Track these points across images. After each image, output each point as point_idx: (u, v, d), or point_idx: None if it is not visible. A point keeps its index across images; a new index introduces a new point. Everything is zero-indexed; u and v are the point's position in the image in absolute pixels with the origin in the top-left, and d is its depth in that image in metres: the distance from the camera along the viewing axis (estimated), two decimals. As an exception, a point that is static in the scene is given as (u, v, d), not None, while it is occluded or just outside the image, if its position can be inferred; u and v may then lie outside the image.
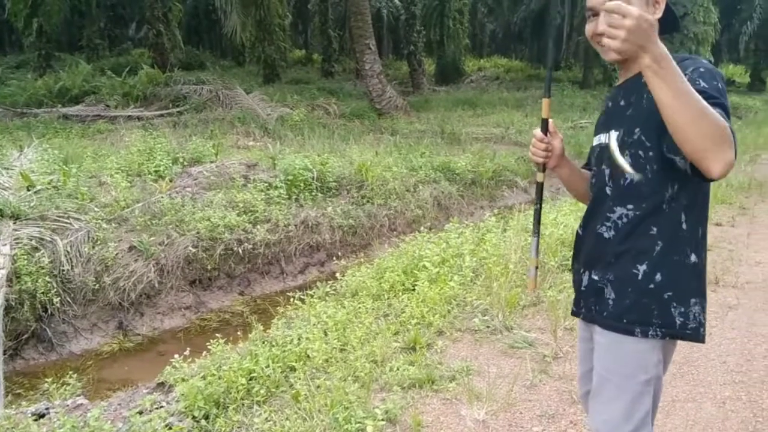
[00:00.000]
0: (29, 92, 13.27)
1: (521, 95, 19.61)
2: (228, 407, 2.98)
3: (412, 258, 4.85)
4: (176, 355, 3.49)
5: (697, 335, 1.62)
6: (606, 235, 1.65)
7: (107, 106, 12.59)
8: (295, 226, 6.44)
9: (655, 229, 1.57)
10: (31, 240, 4.96)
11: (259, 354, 3.36)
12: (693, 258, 1.61)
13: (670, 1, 1.59)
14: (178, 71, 15.42)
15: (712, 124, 1.31)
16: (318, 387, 3.03)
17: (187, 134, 9.59)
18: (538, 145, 1.79)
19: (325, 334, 3.67)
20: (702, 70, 1.47)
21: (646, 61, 1.30)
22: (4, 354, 4.35)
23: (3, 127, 10.17)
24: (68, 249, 5.05)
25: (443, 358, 3.50)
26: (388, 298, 4.34)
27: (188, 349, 3.62)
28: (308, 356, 3.40)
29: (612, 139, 1.63)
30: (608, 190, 1.65)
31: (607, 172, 1.66)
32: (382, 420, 2.78)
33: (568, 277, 4.30)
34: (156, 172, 6.86)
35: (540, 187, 1.86)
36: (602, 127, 1.72)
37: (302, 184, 6.94)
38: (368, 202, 7.34)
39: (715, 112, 1.33)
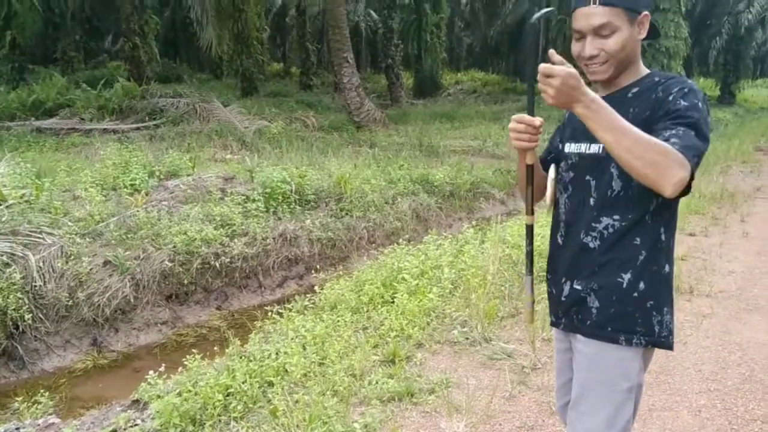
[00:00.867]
0: (2, 105, 13.03)
1: (498, 108, 19.82)
2: (204, 424, 2.93)
3: (391, 270, 4.84)
4: (151, 372, 3.43)
5: (669, 343, 1.68)
6: (591, 245, 1.67)
7: (82, 119, 12.43)
8: (273, 239, 6.40)
9: (638, 239, 1.61)
10: (1, 255, 4.85)
11: (236, 369, 3.32)
12: (667, 268, 1.67)
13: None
14: (154, 84, 15.30)
15: (648, 153, 1.41)
16: (296, 402, 3.00)
17: (163, 147, 9.50)
18: (521, 128, 1.61)
19: (304, 348, 3.64)
20: (686, 90, 1.54)
21: (579, 110, 1.46)
22: (-27, 373, 4.24)
23: (-26, 141, 9.98)
24: (41, 264, 4.95)
25: (422, 371, 3.49)
26: (367, 311, 4.33)
27: (164, 365, 3.56)
28: (286, 371, 3.37)
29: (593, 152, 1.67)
30: (592, 201, 1.67)
31: (593, 183, 1.67)
32: (361, 434, 2.76)
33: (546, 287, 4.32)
34: (132, 185, 6.78)
35: (530, 230, 1.78)
36: (582, 136, 1.70)
37: (280, 197, 6.91)
38: (347, 214, 7.33)
39: (655, 141, 1.42)
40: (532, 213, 1.77)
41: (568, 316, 1.75)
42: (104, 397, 4.14)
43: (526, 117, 1.61)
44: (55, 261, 5.04)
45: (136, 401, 3.39)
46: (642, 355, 1.66)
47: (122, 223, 5.75)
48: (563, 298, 1.76)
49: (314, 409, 2.89)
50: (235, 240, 6.03)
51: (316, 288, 4.89)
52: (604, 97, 1.68)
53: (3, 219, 5.30)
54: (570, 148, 1.77)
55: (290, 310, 4.40)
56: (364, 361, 3.49)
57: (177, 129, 11.96)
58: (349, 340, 3.76)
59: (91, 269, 5.14)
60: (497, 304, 4.33)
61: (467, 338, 3.90)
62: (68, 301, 4.91)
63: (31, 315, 4.68)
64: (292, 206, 6.95)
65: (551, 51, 1.56)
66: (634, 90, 1.64)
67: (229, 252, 5.90)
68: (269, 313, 4.34)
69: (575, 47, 1.66)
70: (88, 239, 5.45)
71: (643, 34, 1.63)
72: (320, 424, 2.79)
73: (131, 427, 3.03)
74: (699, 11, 25.21)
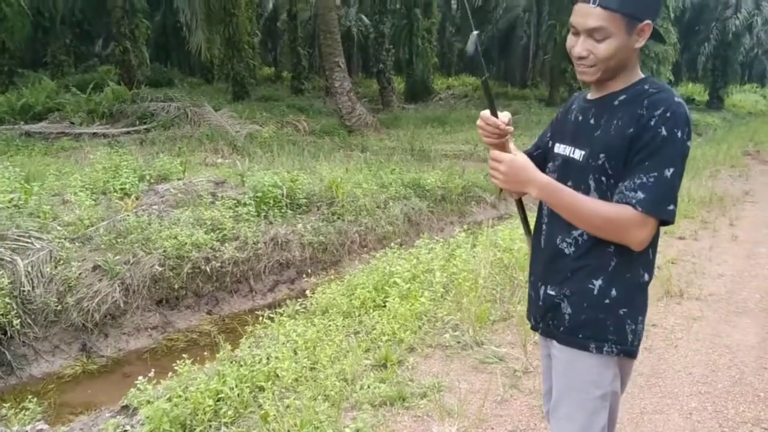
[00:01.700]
0: (-9, 109, 12.95)
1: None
2: (195, 429, 2.91)
3: (383, 274, 4.83)
4: (141, 377, 3.40)
5: (636, 352, 1.67)
6: (567, 251, 1.67)
7: (72, 123, 12.36)
8: (265, 243, 6.37)
9: (612, 247, 1.59)
10: (-11, 260, 4.81)
11: (226, 374, 3.29)
12: (645, 277, 1.66)
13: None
14: (145, 88, 15.25)
15: (607, 225, 1.53)
16: (287, 407, 2.98)
17: (154, 151, 9.46)
18: (485, 127, 1.69)
19: (295, 353, 3.62)
20: (668, 115, 1.50)
21: (534, 194, 1.58)
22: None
23: (-38, 145, 9.89)
24: (29, 269, 4.91)
25: (414, 375, 3.49)
26: (358, 315, 4.31)
27: (154, 370, 3.53)
28: (277, 376, 3.35)
29: (576, 157, 1.65)
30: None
31: (572, 189, 1.66)
32: (353, 439, 2.75)
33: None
34: (122, 189, 6.74)
35: (519, 202, 1.88)
36: (569, 139, 1.70)
37: (271, 201, 6.89)
38: (339, 218, 7.32)
39: (612, 212, 1.51)
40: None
41: (545, 321, 1.75)
42: (93, 402, 4.09)
43: (490, 117, 1.66)
44: (43, 266, 5.00)
45: (126, 407, 3.36)
46: (616, 363, 1.65)
47: (112, 227, 5.71)
48: (540, 303, 1.76)
49: (305, 414, 2.87)
50: (226, 244, 6.00)
51: (307, 292, 4.87)
52: (592, 101, 1.68)
53: (-9, 223, 5.25)
54: (557, 148, 1.76)
55: (281, 314, 4.38)
56: (355, 365, 3.48)
57: (168, 133, 11.91)
58: (340, 345, 3.74)
59: (80, 274, 5.10)
60: (489, 308, 4.33)
61: (459, 342, 3.90)
62: (57, 306, 4.87)
63: (19, 320, 4.64)
64: (283, 210, 6.93)
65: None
66: (622, 97, 1.59)
67: (219, 256, 5.87)
68: (260, 318, 4.32)
69: (570, 40, 1.63)
70: (77, 244, 5.41)
71: (642, 43, 1.57)
72: (311, 429, 2.77)
73: (120, 433, 3.00)
74: (688, 17, 25.48)
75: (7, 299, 4.59)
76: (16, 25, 16.56)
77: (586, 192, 1.61)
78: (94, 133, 11.80)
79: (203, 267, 5.73)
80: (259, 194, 6.86)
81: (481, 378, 3.48)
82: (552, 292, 1.70)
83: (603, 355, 1.62)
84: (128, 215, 5.93)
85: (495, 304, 4.49)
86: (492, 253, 5.18)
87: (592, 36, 1.55)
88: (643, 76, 1.64)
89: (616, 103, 1.60)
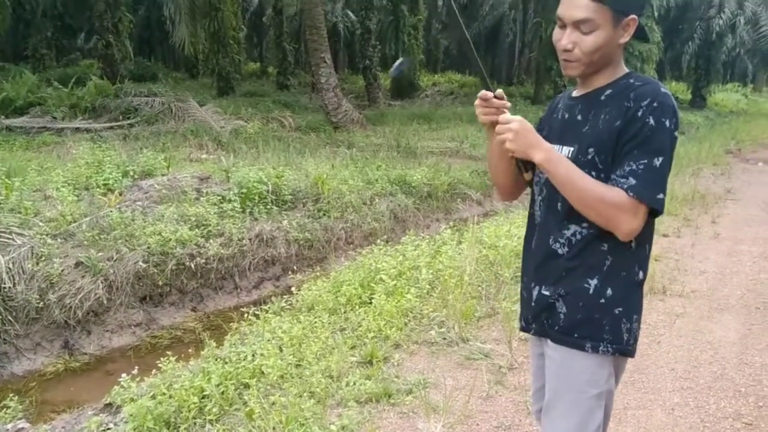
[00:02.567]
0: (-30, 103, 12.73)
1: (475, 110, 19.90)
2: (179, 427, 2.89)
3: (369, 271, 4.83)
4: (124, 375, 3.37)
5: (632, 351, 1.67)
6: (560, 251, 1.66)
7: (54, 117, 12.17)
8: (250, 240, 6.34)
9: (606, 245, 1.59)
10: (-31, 256, 4.74)
11: (211, 371, 3.28)
12: (640, 275, 1.65)
13: None
14: (128, 83, 15.06)
15: (600, 205, 1.51)
16: (273, 404, 2.97)
17: (138, 147, 9.35)
18: (484, 104, 1.66)
19: (280, 350, 3.61)
20: (655, 105, 1.50)
21: (539, 157, 1.55)
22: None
23: (-59, 139, 9.73)
24: (10, 266, 4.84)
25: (400, 372, 3.49)
26: (344, 312, 4.31)
27: (137, 367, 3.51)
28: (263, 373, 3.33)
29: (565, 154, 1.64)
30: (559, 206, 1.64)
31: None
32: (339, 436, 2.74)
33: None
34: (105, 185, 6.66)
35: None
36: (556, 137, 1.68)
37: (257, 198, 6.85)
38: (324, 215, 7.30)
39: (606, 193, 1.50)
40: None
41: (539, 321, 1.73)
42: (76, 400, 4.05)
43: (488, 93, 1.64)
44: (25, 262, 4.93)
45: (109, 405, 3.33)
46: (611, 362, 1.64)
47: (95, 223, 5.65)
48: (533, 303, 1.74)
49: (291, 411, 2.86)
50: (211, 241, 5.96)
51: (293, 289, 4.86)
52: (578, 98, 1.68)
53: (-29, 219, 5.17)
54: None
55: (267, 311, 4.36)
56: (341, 362, 3.47)
57: (151, 128, 11.79)
58: (326, 342, 3.74)
59: (62, 270, 5.04)
60: (474, 305, 4.35)
61: (444, 339, 3.91)
62: (39, 303, 4.81)
63: (0, 317, 4.57)
64: (268, 207, 6.90)
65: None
66: (608, 92, 1.59)
67: (204, 253, 5.83)
68: (245, 315, 4.30)
69: (556, 33, 1.62)
70: (59, 240, 5.34)
71: (627, 38, 1.58)
72: (297, 426, 2.76)
73: (104, 431, 2.97)
74: (672, 16, 25.67)
75: (-13, 296, 4.52)
76: (-4, 17, 16.30)
77: None
78: (77, 128, 11.64)
79: (188, 263, 5.69)
80: (244, 190, 6.82)
81: (467, 374, 3.49)
82: (546, 293, 1.69)
83: (599, 354, 1.61)
84: (111, 211, 5.87)
85: (480, 301, 4.51)
86: (477, 250, 5.19)
87: (578, 28, 1.55)
88: (628, 71, 1.64)
89: (602, 98, 1.60)
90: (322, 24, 14.67)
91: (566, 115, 1.70)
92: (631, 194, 1.48)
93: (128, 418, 2.97)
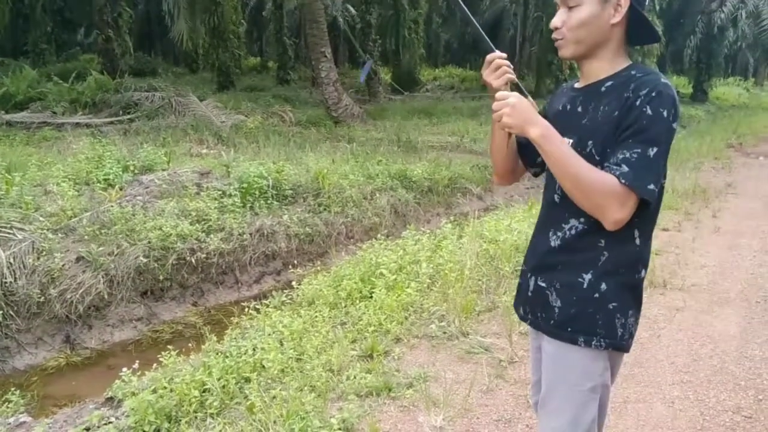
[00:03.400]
0: (-30, 98, 12.72)
1: (476, 104, 19.89)
2: (180, 421, 2.90)
3: (370, 265, 4.84)
4: (125, 369, 3.38)
5: (627, 346, 1.66)
6: (554, 243, 1.66)
7: (54, 112, 12.16)
8: (250, 234, 6.34)
9: (603, 241, 1.57)
10: (-30, 251, 4.74)
11: (212, 365, 3.29)
12: (639, 271, 1.64)
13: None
14: (128, 78, 15.04)
15: (590, 192, 1.48)
16: (273, 398, 2.98)
17: (138, 142, 9.34)
18: (492, 65, 1.65)
19: (281, 344, 3.62)
20: (653, 94, 1.48)
21: (535, 133, 1.53)
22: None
23: (-59, 134, 9.72)
24: (11, 261, 4.84)
25: (400, 365, 3.50)
26: (345, 306, 4.32)
27: (138, 362, 3.52)
28: (263, 367, 3.34)
29: None
30: (557, 198, 1.64)
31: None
32: (339, 429, 2.76)
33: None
34: (105, 180, 6.66)
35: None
36: (557, 129, 1.64)
37: (257, 192, 6.85)
38: (325, 209, 7.30)
39: (598, 179, 1.47)
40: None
41: (534, 313, 1.74)
42: (77, 395, 4.06)
43: (494, 53, 1.66)
44: (26, 257, 4.94)
45: (110, 399, 3.35)
46: (606, 356, 1.64)
47: (96, 218, 5.65)
48: (529, 293, 1.75)
49: (291, 405, 2.87)
50: (211, 235, 5.96)
51: (293, 283, 4.87)
52: (580, 89, 1.67)
53: (-29, 214, 5.17)
54: None
55: (267, 305, 4.37)
56: (341, 356, 3.48)
57: (152, 123, 11.77)
58: (326, 336, 3.75)
59: (63, 265, 5.05)
60: (475, 299, 4.35)
61: (445, 333, 3.92)
62: (40, 297, 4.82)
63: (1, 312, 4.59)
64: (269, 201, 6.90)
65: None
66: (609, 83, 1.58)
67: (205, 248, 5.84)
68: (246, 309, 4.31)
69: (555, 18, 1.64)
70: (60, 235, 5.35)
71: (617, 18, 1.55)
72: (297, 420, 2.77)
73: (105, 425, 2.98)
74: (673, 10, 25.60)
75: (-12, 291, 4.53)
76: (-5, 12, 16.27)
77: None
78: (77, 123, 11.63)
79: (188, 258, 5.70)
80: (245, 185, 6.81)
81: (467, 368, 3.50)
82: (542, 284, 1.69)
83: (592, 348, 1.61)
84: (112, 206, 5.87)
85: (481, 295, 4.52)
86: (478, 245, 5.20)
87: (567, 5, 1.58)
88: (632, 63, 1.62)
89: (603, 89, 1.59)
90: (322, 18, 14.64)
91: (568, 107, 1.69)
92: (623, 181, 1.45)
93: (129, 411, 2.98)
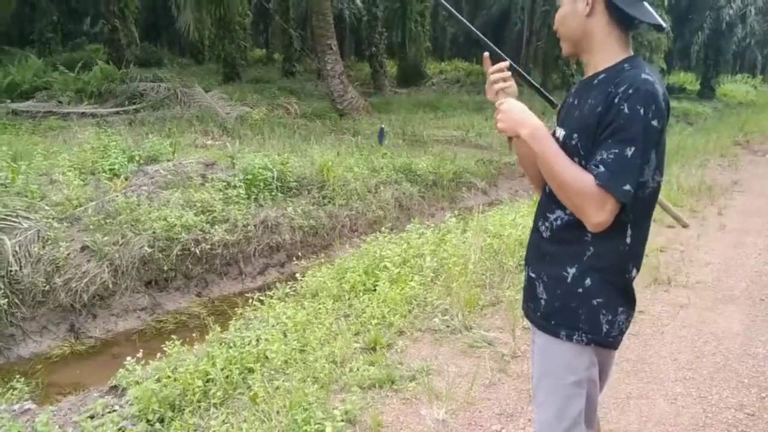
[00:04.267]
0: (-24, 87, 12.74)
1: (481, 98, 19.78)
2: (184, 410, 2.91)
3: (373, 258, 4.84)
4: (129, 358, 3.40)
5: (615, 343, 1.64)
6: (544, 234, 1.67)
7: (59, 102, 12.17)
8: (255, 226, 6.35)
9: (589, 235, 1.56)
10: (-24, 239, 4.76)
11: (216, 356, 3.30)
12: (634, 272, 1.63)
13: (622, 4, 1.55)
14: (134, 68, 15.01)
15: (571, 193, 1.50)
16: (276, 388, 2.99)
17: (143, 132, 9.35)
18: (495, 73, 1.69)
19: (285, 335, 3.63)
20: (630, 91, 1.46)
21: (523, 134, 1.56)
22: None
23: (-53, 123, 9.75)
24: (17, 249, 4.87)
25: (403, 358, 3.50)
26: (348, 299, 4.32)
27: (142, 351, 3.53)
28: (267, 357, 3.36)
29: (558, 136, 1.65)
30: (547, 188, 1.65)
31: None
32: (342, 421, 2.77)
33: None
34: (111, 170, 6.67)
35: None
36: (560, 120, 1.70)
37: (262, 184, 6.86)
38: (329, 202, 7.30)
39: (578, 180, 1.47)
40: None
41: (526, 303, 1.76)
42: (82, 383, 4.09)
43: (500, 64, 1.70)
44: (31, 245, 4.96)
45: (114, 387, 3.37)
46: (592, 351, 1.62)
47: (101, 208, 5.67)
48: (525, 283, 1.78)
49: (294, 396, 2.88)
50: (216, 227, 5.98)
51: (297, 275, 4.87)
52: (581, 81, 1.69)
53: (-23, 202, 5.19)
54: (557, 131, 1.74)
55: (271, 297, 4.38)
56: (345, 348, 3.49)
57: (157, 114, 11.77)
58: (330, 328, 3.76)
59: (68, 254, 5.07)
60: (478, 293, 4.35)
61: (448, 326, 3.92)
62: (45, 286, 4.84)
63: (6, 300, 4.61)
64: (273, 193, 6.90)
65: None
66: (602, 76, 1.58)
67: (209, 239, 5.85)
68: (250, 300, 4.32)
69: None
70: (65, 224, 5.37)
71: (588, 10, 1.56)
72: (300, 411, 2.78)
73: (109, 413, 3.00)
74: (682, 6, 25.41)
75: (-6, 279, 4.55)
76: (1, 1, 16.25)
77: None
78: (83, 113, 11.64)
79: (193, 249, 5.71)
80: (250, 177, 6.82)
81: (470, 362, 3.50)
82: (533, 275, 1.71)
83: (573, 343, 1.61)
84: (117, 196, 5.89)
85: (484, 289, 4.51)
86: (482, 239, 5.19)
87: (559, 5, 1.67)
88: (630, 56, 1.60)
89: (595, 81, 1.60)
90: (329, 10, 14.60)
91: (570, 98, 1.71)
92: (598, 182, 1.45)
93: (133, 400, 3.00)
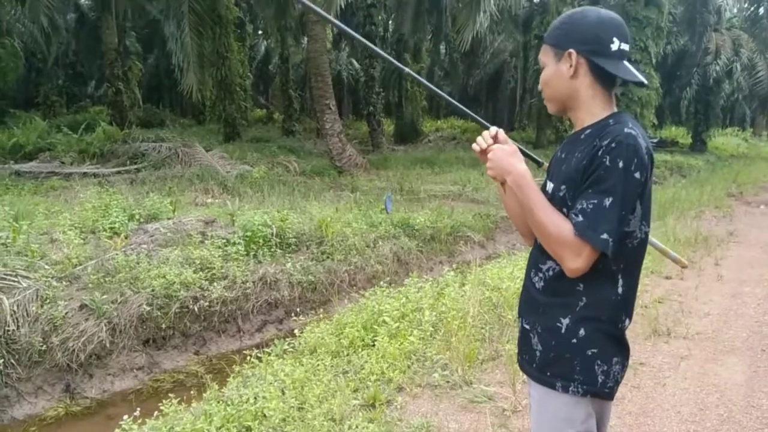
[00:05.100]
0: (-19, 148, 12.97)
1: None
2: (180, 471, 2.86)
3: (372, 313, 4.83)
4: (126, 416, 3.36)
5: (611, 393, 1.64)
6: (537, 285, 1.69)
7: (62, 162, 12.39)
8: (253, 282, 6.36)
9: (581, 285, 1.58)
10: (-25, 299, 4.76)
11: (213, 414, 3.26)
12: (626, 322, 1.65)
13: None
14: (136, 129, 15.39)
15: (551, 240, 1.57)
16: (275, 447, 2.94)
17: (144, 191, 9.48)
18: (486, 142, 1.75)
19: (283, 393, 3.59)
20: (613, 145, 1.51)
21: (509, 180, 1.65)
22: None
23: (-49, 184, 9.87)
24: (15, 308, 4.86)
25: (403, 415, 3.46)
26: (347, 355, 4.29)
27: (139, 410, 3.49)
28: (264, 415, 3.31)
29: (548, 190, 1.71)
30: (537, 240, 1.68)
31: None
32: (341, 479, 2.71)
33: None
34: (111, 228, 6.73)
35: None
36: (549, 174, 1.76)
37: (261, 240, 6.90)
38: (328, 257, 7.32)
39: (557, 229, 1.54)
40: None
41: (521, 355, 1.76)
42: (76, 445, 4.02)
43: (487, 133, 1.77)
44: (29, 305, 4.95)
45: (110, 448, 3.31)
46: (588, 402, 1.62)
47: (100, 266, 5.69)
48: (519, 335, 1.78)
49: (293, 454, 2.84)
50: (215, 283, 5.98)
51: (295, 332, 4.85)
52: (569, 136, 1.75)
53: (-22, 262, 5.21)
54: (547, 186, 1.80)
55: (269, 354, 4.35)
56: (344, 405, 3.45)
57: (158, 173, 11.95)
58: (328, 384, 3.72)
59: (66, 313, 5.06)
60: (478, 347, 4.33)
61: (448, 381, 3.88)
62: (42, 346, 4.81)
63: (2, 360, 4.57)
64: (272, 249, 6.94)
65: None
66: (588, 131, 1.63)
67: (208, 296, 5.85)
68: (248, 358, 4.29)
69: None
70: (64, 282, 5.38)
71: (572, 72, 1.62)
72: (299, 470, 2.74)
73: (104, 475, 2.94)
74: (670, 63, 26.16)
75: (-9, 339, 4.53)
76: (9, 65, 16.77)
77: None
78: (85, 173, 11.82)
79: (191, 306, 5.70)
80: (249, 233, 6.87)
81: (470, 417, 3.46)
82: (527, 326, 1.72)
83: (569, 394, 1.60)
84: (117, 254, 5.91)
85: (484, 343, 4.49)
86: (481, 292, 5.20)
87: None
88: (615, 112, 1.65)
89: (582, 136, 1.65)
90: (327, 72, 15.02)
91: (558, 153, 1.78)
92: (576, 231, 1.51)
93: (129, 461, 2.95)
